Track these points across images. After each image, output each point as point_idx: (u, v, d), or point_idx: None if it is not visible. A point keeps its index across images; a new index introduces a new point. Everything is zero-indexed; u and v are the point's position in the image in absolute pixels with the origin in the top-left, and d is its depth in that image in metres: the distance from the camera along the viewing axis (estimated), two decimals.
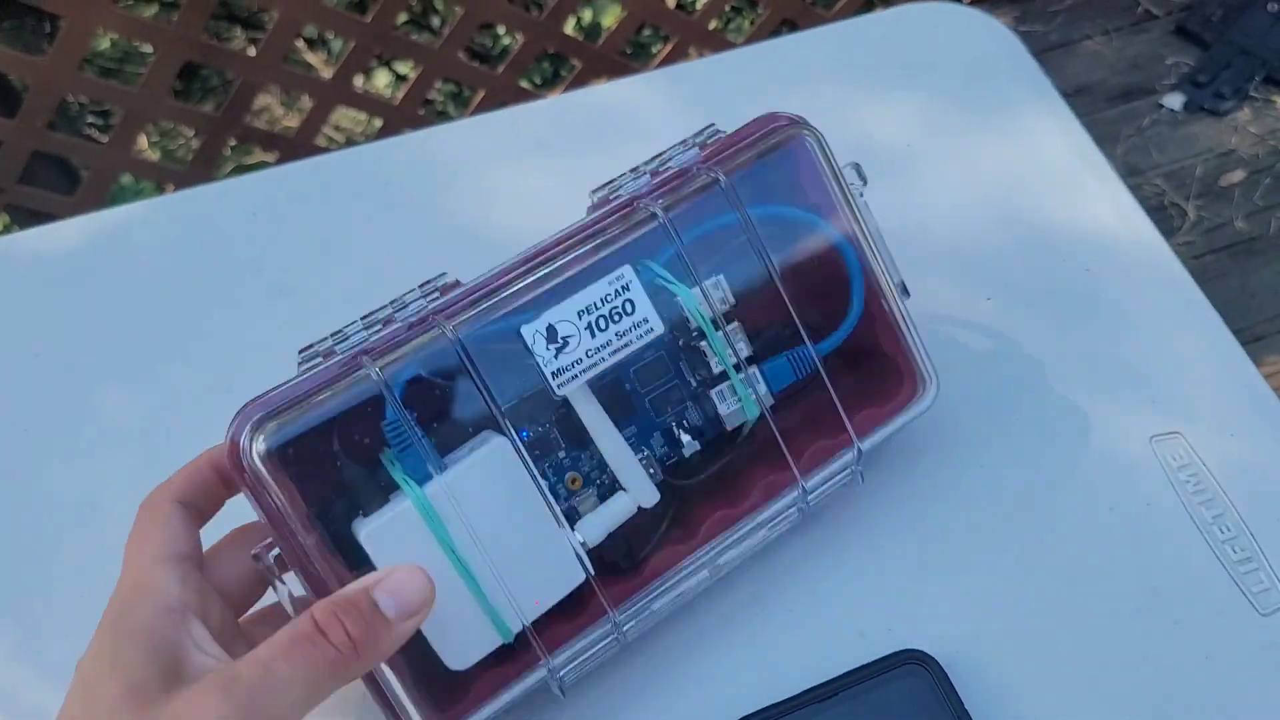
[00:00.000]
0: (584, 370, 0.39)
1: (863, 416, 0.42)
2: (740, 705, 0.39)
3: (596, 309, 0.39)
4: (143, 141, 1.62)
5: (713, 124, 0.44)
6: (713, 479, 0.41)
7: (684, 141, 0.43)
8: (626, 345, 0.39)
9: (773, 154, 0.42)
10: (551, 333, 0.38)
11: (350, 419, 0.37)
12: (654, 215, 0.40)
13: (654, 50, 1.61)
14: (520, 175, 0.56)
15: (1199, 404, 0.47)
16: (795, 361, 0.42)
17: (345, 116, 1.62)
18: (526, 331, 0.38)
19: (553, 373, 0.38)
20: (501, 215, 0.54)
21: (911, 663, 0.40)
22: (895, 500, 0.45)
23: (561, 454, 0.40)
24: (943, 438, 0.46)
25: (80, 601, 0.36)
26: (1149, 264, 0.52)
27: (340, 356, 0.37)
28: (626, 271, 0.39)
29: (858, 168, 0.45)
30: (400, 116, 1.28)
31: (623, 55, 1.35)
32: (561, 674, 0.38)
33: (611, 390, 0.40)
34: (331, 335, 0.38)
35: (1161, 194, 1.35)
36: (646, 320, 0.39)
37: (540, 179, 0.55)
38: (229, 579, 0.36)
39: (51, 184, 1.27)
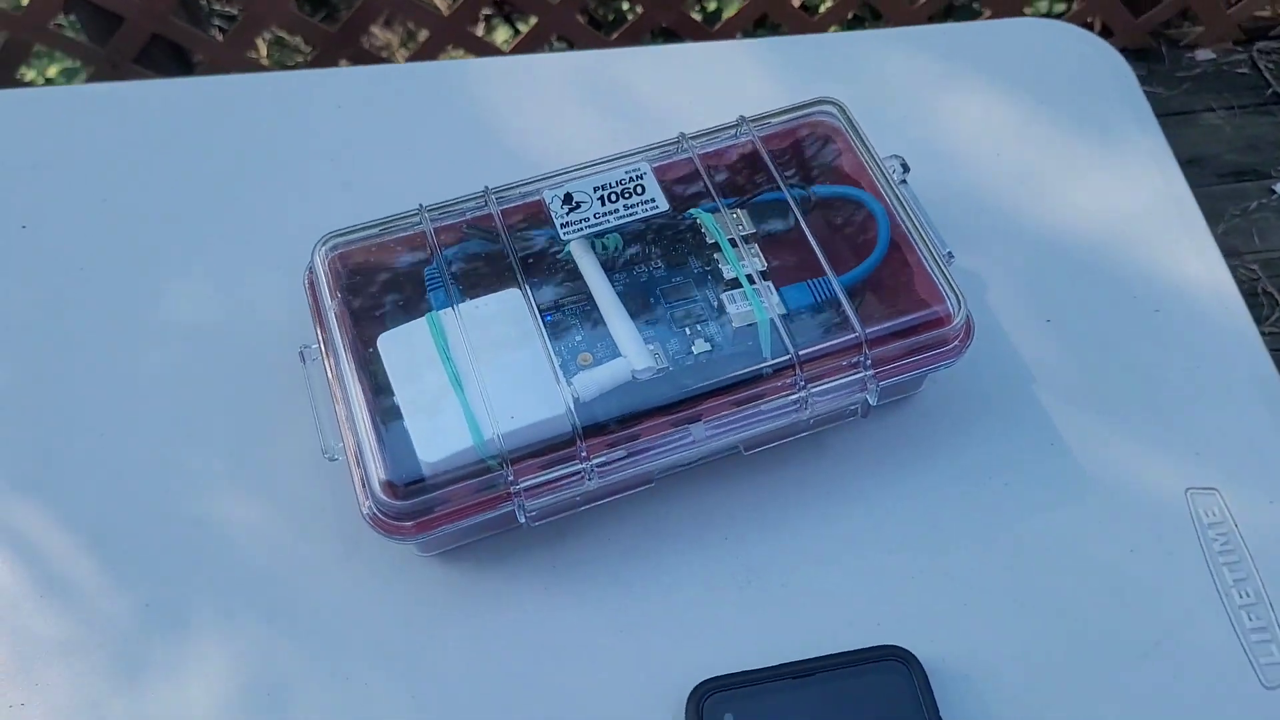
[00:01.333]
0: (590, 226, 0.44)
1: (886, 356, 0.43)
2: (716, 664, 0.41)
3: (610, 187, 0.45)
4: (262, 49, 1.70)
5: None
6: (720, 383, 0.42)
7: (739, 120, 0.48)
8: (632, 214, 0.44)
9: (811, 131, 0.48)
10: (568, 198, 0.45)
11: (400, 260, 0.45)
12: (680, 135, 0.46)
13: None
14: (600, 116, 0.58)
15: (1245, 466, 0.46)
16: (815, 288, 0.44)
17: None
18: (547, 195, 0.45)
19: (562, 224, 0.44)
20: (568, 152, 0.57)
21: (894, 659, 0.40)
22: (912, 500, 0.45)
23: (579, 337, 0.43)
24: (974, 446, 0.47)
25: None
26: (1223, 320, 0.50)
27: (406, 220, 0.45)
28: (644, 165, 0.45)
29: (902, 160, 0.49)
30: None
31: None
32: (527, 501, 0.41)
33: (637, 296, 0.44)
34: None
35: (1256, 279, 1.33)
36: (654, 200, 0.45)
37: (615, 122, 0.57)
38: None
39: (166, 71, 1.31)
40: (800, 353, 0.42)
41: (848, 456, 0.47)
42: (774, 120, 0.49)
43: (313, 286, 0.44)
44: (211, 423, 0.47)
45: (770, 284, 0.44)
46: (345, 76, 0.60)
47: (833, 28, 1.40)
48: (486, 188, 0.46)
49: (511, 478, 0.40)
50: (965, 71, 0.59)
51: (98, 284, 0.51)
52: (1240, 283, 1.32)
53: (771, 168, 0.47)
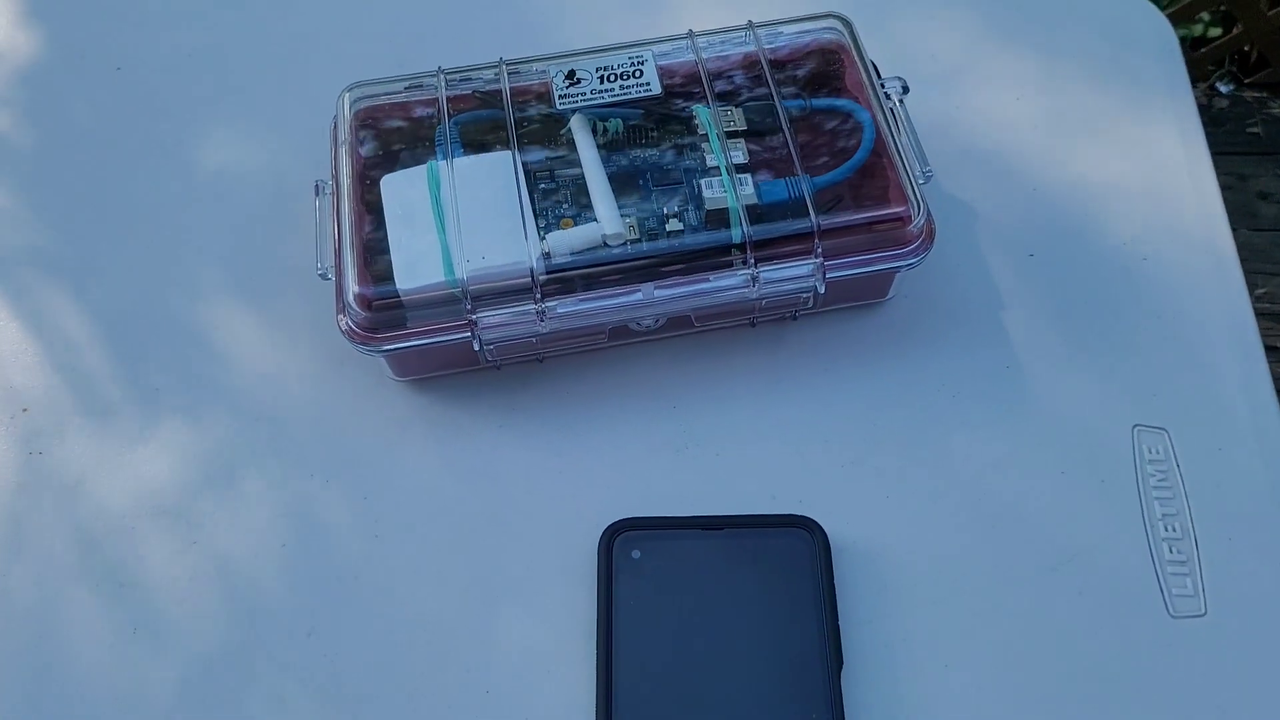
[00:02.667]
0: (585, 101, 0.48)
1: (841, 248, 0.45)
2: (639, 510, 0.44)
3: (611, 69, 0.49)
4: None
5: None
6: (683, 255, 0.45)
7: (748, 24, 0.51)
8: (626, 94, 0.48)
9: (816, 43, 0.51)
10: (571, 74, 0.49)
11: (414, 115, 0.49)
12: (689, 32, 0.49)
13: None
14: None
15: (1200, 413, 0.46)
16: (791, 185, 0.47)
17: None
18: (552, 70, 0.49)
19: (560, 96, 0.48)
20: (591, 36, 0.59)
21: (801, 527, 0.43)
22: (859, 398, 0.47)
23: (565, 205, 0.47)
24: (930, 358, 0.48)
25: None
26: (1212, 275, 0.50)
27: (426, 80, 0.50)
28: (647, 54, 0.49)
29: (903, 81, 0.51)
30: None
31: None
32: (483, 333, 0.44)
33: (625, 176, 0.47)
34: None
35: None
36: (649, 84, 0.49)
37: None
38: None
39: None
40: (755, 235, 0.44)
41: (806, 351, 0.49)
42: (782, 29, 0.51)
43: (335, 128, 0.49)
44: (233, 242, 0.53)
45: (748, 177, 0.47)
46: None
47: None
48: (501, 59, 0.50)
49: (469, 307, 0.44)
50: (1001, 13, 0.60)
51: (166, 118, 0.57)
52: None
53: (767, 71, 0.49)
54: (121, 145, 0.57)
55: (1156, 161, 0.54)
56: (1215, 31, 1.48)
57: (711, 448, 0.47)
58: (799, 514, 0.43)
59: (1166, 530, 0.44)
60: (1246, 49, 1.42)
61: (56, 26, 0.62)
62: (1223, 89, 1.48)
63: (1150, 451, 0.46)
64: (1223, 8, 1.37)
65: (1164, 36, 0.59)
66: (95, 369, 0.49)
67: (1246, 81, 1.43)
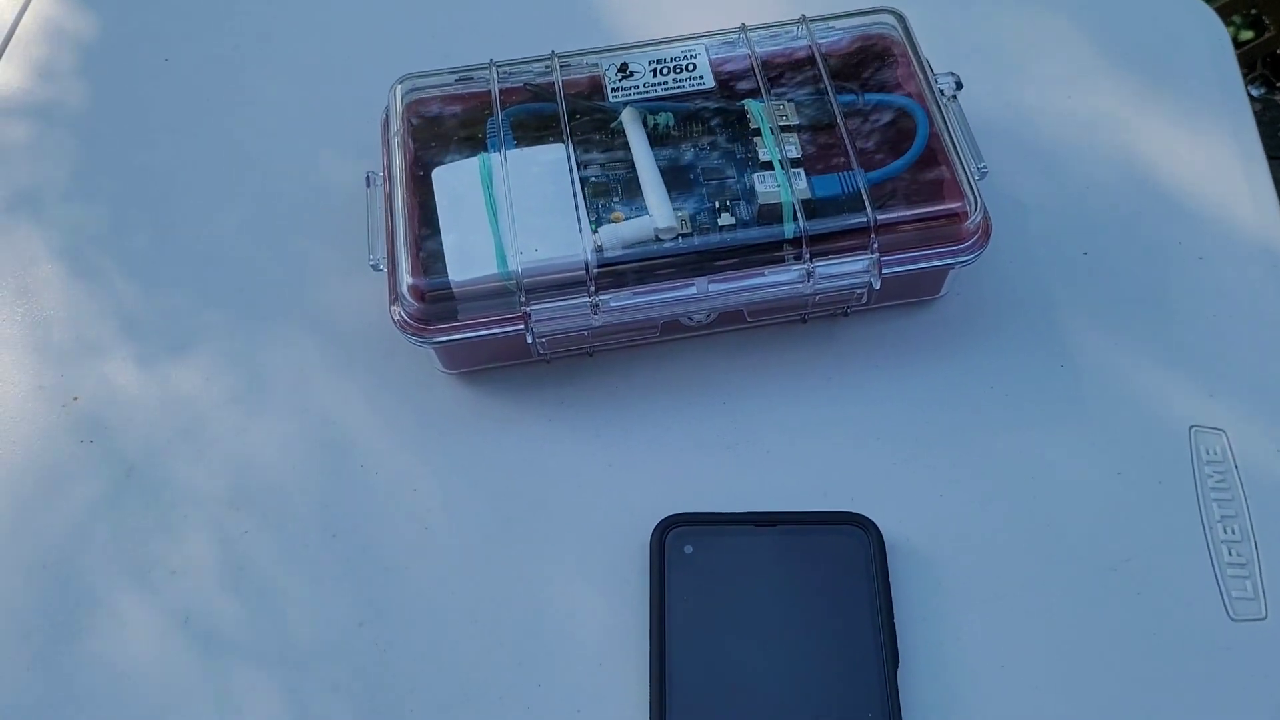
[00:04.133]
0: (638, 94, 0.48)
1: (896, 243, 0.45)
2: (690, 505, 0.43)
3: (664, 62, 0.49)
4: None
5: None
6: (737, 250, 0.45)
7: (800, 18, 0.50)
8: (679, 88, 0.48)
9: (869, 37, 0.50)
10: (624, 67, 0.49)
11: (465, 108, 0.49)
12: (742, 26, 0.49)
13: None
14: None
15: (1258, 414, 0.46)
16: (844, 180, 0.47)
17: None
18: (604, 63, 0.49)
19: (613, 89, 0.48)
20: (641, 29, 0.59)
21: (854, 524, 0.42)
22: (913, 395, 0.47)
23: (616, 198, 0.47)
24: (983, 356, 0.48)
25: None
26: (1268, 276, 0.50)
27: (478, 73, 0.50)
28: (699, 47, 0.49)
29: (956, 77, 0.51)
30: None
31: None
32: (536, 326, 0.44)
33: (677, 170, 0.47)
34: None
35: None
36: (703, 78, 0.48)
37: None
38: None
39: None
40: (811, 230, 0.44)
41: (858, 348, 0.48)
42: (835, 23, 0.51)
43: (386, 120, 0.49)
44: (287, 231, 0.53)
45: (801, 171, 0.46)
46: None
47: None
48: (553, 52, 0.49)
49: (523, 299, 0.44)
50: (1056, 8, 0.60)
51: (218, 106, 0.58)
52: None
53: (821, 66, 0.49)
54: (169, 136, 0.57)
55: (1211, 161, 0.54)
56: (1246, 35, 1.47)
57: (762, 444, 0.46)
58: (853, 511, 0.43)
59: (1225, 532, 0.43)
60: (1278, 52, 1.40)
61: (106, 17, 0.62)
62: (1254, 92, 1.46)
63: (1208, 453, 0.45)
64: (1254, 10, 1.36)
65: (1216, 35, 0.59)
66: (143, 360, 0.49)
67: (1278, 84, 1.42)
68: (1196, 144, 0.54)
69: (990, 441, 0.46)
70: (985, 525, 0.44)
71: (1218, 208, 0.52)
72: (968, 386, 0.47)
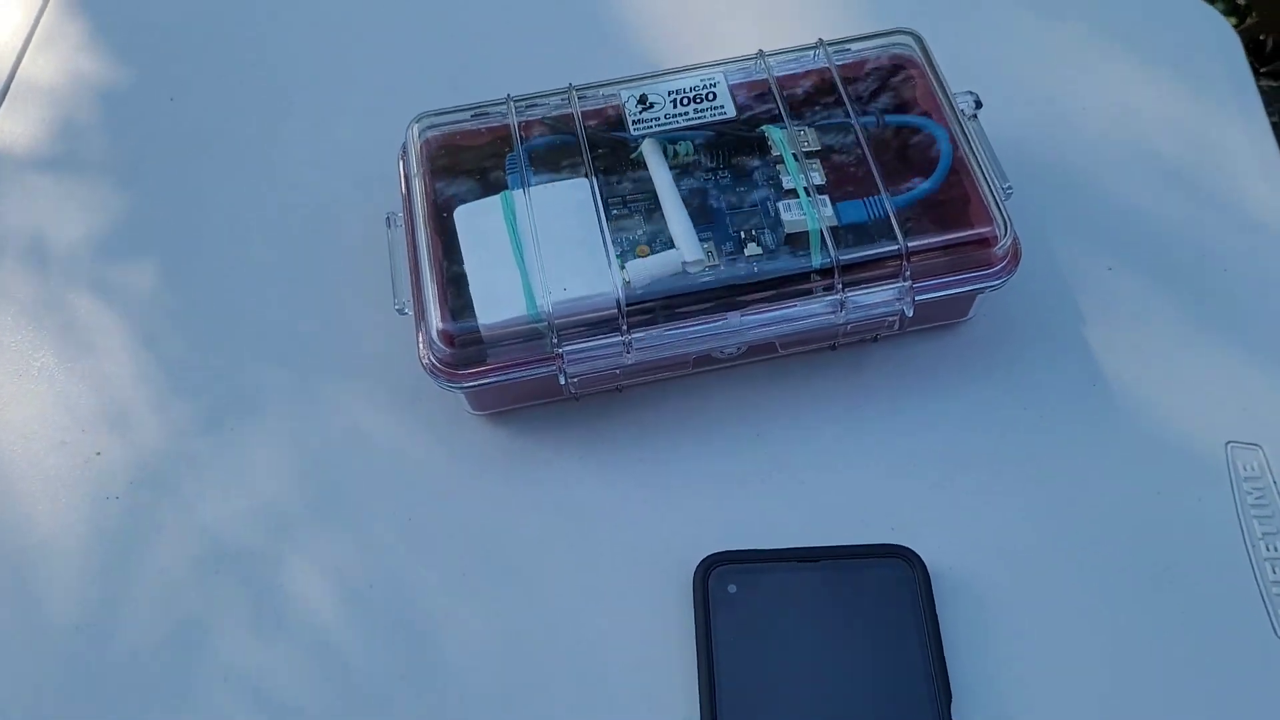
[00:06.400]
0: (659, 126, 0.48)
1: (927, 269, 0.44)
2: (730, 542, 0.43)
3: (684, 92, 0.48)
4: None
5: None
6: (767, 282, 0.44)
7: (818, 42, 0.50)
8: (701, 118, 0.48)
9: (887, 59, 0.50)
10: (643, 99, 0.48)
11: (484, 144, 0.49)
12: (759, 52, 0.49)
13: None
14: (688, 28, 0.60)
15: None
16: (870, 205, 0.46)
17: None
18: (624, 94, 0.49)
19: (635, 121, 0.48)
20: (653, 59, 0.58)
21: (898, 557, 0.42)
22: (945, 419, 0.47)
23: (640, 231, 0.46)
24: (1014, 377, 0.47)
25: None
26: None
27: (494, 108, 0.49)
28: (718, 75, 0.49)
29: (975, 96, 0.50)
30: None
31: None
32: (569, 366, 0.44)
33: (700, 199, 0.46)
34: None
35: None
36: (723, 107, 0.48)
37: (701, 36, 0.59)
38: None
39: None
40: (842, 258, 0.44)
41: (887, 374, 0.48)
42: (852, 46, 0.50)
43: (404, 159, 0.48)
44: (306, 274, 0.52)
45: (826, 198, 0.46)
46: None
47: None
48: (570, 84, 0.49)
49: (555, 340, 0.43)
50: (1065, 22, 0.60)
51: (228, 148, 0.57)
52: None
53: (841, 89, 0.48)
54: (178, 180, 0.56)
55: (1228, 170, 0.54)
56: (1230, 22, 1.47)
57: (797, 474, 0.46)
58: (896, 544, 0.43)
59: (1268, 550, 0.43)
60: (1262, 38, 1.41)
61: (107, 59, 0.61)
62: None
63: (1245, 469, 0.45)
64: None
65: (1228, 40, 0.59)
66: (164, 411, 0.49)
67: (1262, 71, 1.42)
68: (1214, 152, 0.54)
69: (1026, 464, 0.46)
70: (1026, 549, 0.44)
71: (1240, 218, 0.52)
72: (1000, 408, 0.47)
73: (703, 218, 0.46)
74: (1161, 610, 0.42)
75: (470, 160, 0.48)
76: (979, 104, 0.50)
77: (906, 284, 0.44)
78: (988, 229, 0.45)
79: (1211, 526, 0.44)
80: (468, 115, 0.49)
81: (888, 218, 0.45)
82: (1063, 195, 0.53)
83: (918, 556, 0.42)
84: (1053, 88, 0.57)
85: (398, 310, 0.46)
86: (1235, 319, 0.49)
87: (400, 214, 0.48)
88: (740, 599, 0.42)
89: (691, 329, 0.44)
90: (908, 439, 0.46)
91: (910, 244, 0.44)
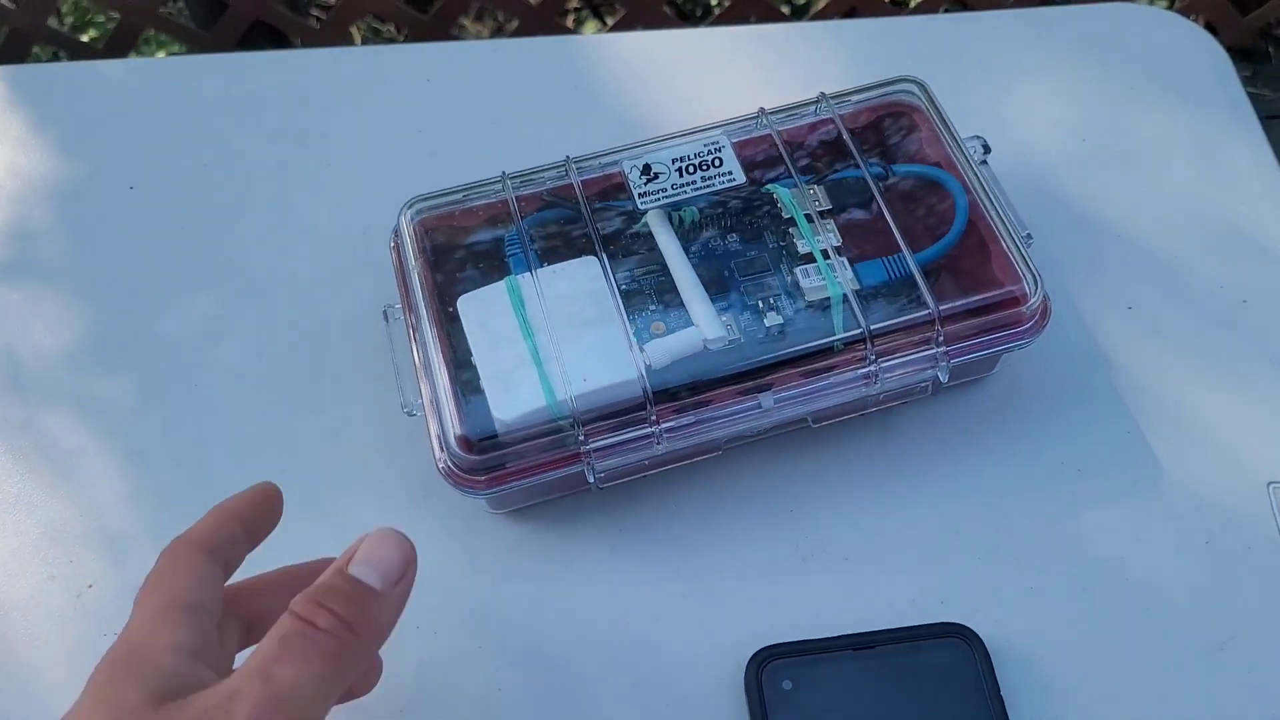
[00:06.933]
0: (667, 197, 0.45)
1: (959, 333, 0.43)
2: (776, 632, 0.41)
3: (688, 159, 0.46)
4: (356, 37, 1.73)
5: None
6: (790, 354, 0.42)
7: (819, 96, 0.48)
8: (709, 186, 0.45)
9: (891, 110, 0.49)
10: (646, 168, 0.46)
11: (482, 226, 0.46)
12: (760, 110, 0.47)
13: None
14: (682, 94, 0.58)
15: None
16: (890, 265, 0.44)
17: None
18: (626, 165, 0.46)
19: (640, 194, 0.45)
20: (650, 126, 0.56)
21: (956, 636, 0.40)
22: (981, 481, 0.45)
23: (653, 307, 0.44)
24: (1047, 430, 0.46)
25: None
26: None
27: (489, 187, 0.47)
28: (722, 139, 0.46)
29: (983, 141, 0.49)
30: (539, 22, 1.31)
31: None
32: (596, 462, 0.41)
33: (712, 269, 0.45)
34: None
35: None
36: (731, 173, 0.46)
37: (697, 99, 0.58)
38: (267, 614, 0.34)
39: None
40: (872, 327, 0.42)
41: (917, 436, 0.47)
42: (854, 98, 0.49)
43: (398, 248, 0.46)
44: (297, 377, 0.49)
45: (845, 260, 0.44)
46: (436, 51, 0.62)
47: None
48: (568, 157, 0.47)
49: (582, 438, 0.41)
50: (1057, 55, 0.59)
51: (196, 242, 0.53)
52: None
53: (850, 144, 0.47)
54: (145, 275, 0.52)
55: (1234, 195, 0.53)
56: (1161, 5, 1.50)
57: (839, 551, 0.44)
58: (952, 621, 0.41)
59: None
60: (1193, 19, 1.43)
61: (61, 149, 0.57)
62: None
63: None
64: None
65: (1220, 63, 0.58)
66: (157, 535, 0.45)
67: None
68: (1217, 178, 0.54)
69: (1069, 522, 0.44)
70: (1082, 615, 0.42)
71: (1251, 244, 0.51)
72: (1036, 465, 0.46)
73: (716, 287, 0.44)
74: (1226, 668, 0.41)
75: (468, 244, 0.46)
76: (987, 149, 0.49)
77: (941, 349, 0.42)
78: (1017, 287, 0.43)
79: (1263, 573, 0.43)
80: (461, 196, 0.46)
81: (911, 277, 0.43)
82: (1071, 233, 0.52)
83: (975, 634, 0.40)
84: (1044, 120, 0.56)
85: (406, 412, 0.43)
86: (1261, 350, 0.48)
87: (398, 306, 0.45)
88: (797, 695, 0.40)
89: (723, 413, 0.42)
90: (947, 505, 0.45)
91: (942, 307, 0.42)
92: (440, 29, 1.29)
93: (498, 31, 1.79)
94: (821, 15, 1.36)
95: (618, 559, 0.44)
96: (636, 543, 0.44)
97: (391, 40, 1.75)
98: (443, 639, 0.43)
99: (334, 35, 1.30)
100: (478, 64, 0.60)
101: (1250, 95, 0.57)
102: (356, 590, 0.31)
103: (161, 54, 1.65)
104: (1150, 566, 0.43)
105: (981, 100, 0.57)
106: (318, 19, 1.60)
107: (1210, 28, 1.42)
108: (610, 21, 1.52)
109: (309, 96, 0.59)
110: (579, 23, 1.78)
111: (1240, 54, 1.41)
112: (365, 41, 1.77)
